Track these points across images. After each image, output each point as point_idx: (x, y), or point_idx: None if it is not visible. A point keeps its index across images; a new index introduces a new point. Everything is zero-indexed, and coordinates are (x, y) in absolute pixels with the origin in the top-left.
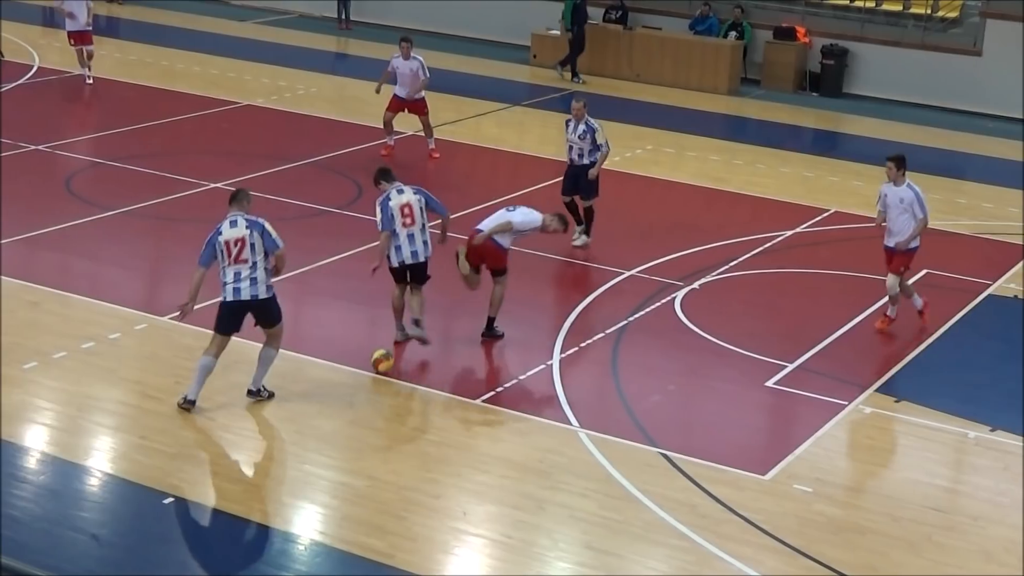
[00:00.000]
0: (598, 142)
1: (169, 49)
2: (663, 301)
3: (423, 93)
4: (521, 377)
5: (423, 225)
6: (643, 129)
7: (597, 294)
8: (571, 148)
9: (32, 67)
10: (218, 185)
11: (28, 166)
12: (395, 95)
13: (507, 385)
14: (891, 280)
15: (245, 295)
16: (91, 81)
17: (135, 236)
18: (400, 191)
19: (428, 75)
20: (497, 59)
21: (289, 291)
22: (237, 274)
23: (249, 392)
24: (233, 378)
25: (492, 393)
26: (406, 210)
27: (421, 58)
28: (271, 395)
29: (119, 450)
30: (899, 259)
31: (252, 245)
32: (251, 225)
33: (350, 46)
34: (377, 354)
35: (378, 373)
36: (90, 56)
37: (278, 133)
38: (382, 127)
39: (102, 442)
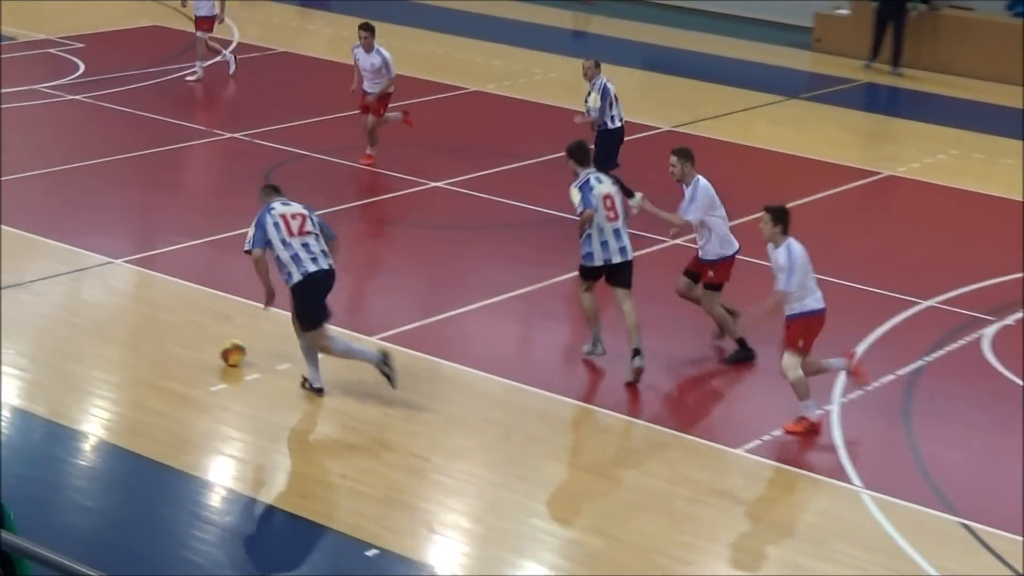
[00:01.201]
0: (588, 105)
1: (387, 24)
2: (968, 339)
3: (389, 89)
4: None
5: (624, 221)
6: (947, 130)
7: (886, 328)
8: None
9: (231, 43)
10: (439, 184)
11: (223, 156)
12: (363, 91)
13: (774, 433)
14: None
15: (324, 264)
16: (193, 79)
17: (342, 241)
18: (599, 179)
19: (392, 72)
20: (772, 42)
21: (514, 311)
22: (306, 245)
23: (315, 389)
24: (447, 409)
25: (757, 442)
26: (608, 202)
27: (385, 52)
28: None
29: (316, 491)
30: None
31: (311, 220)
32: (305, 208)
33: (592, 23)
34: (228, 344)
35: (228, 365)
36: (212, 50)
37: (510, 125)
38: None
39: (296, 480)
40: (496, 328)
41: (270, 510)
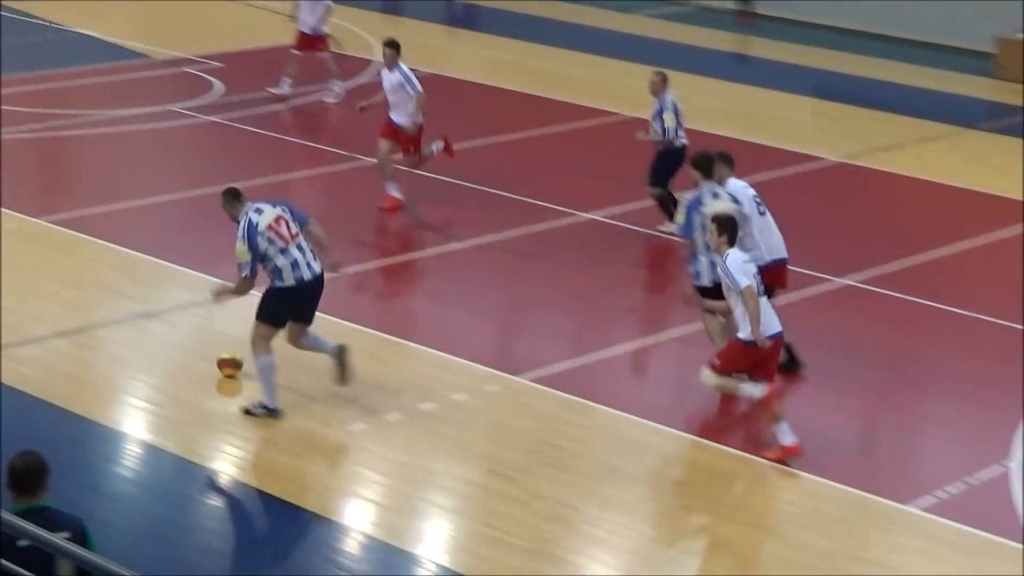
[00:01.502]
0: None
1: (538, 46)
2: None
3: (420, 118)
4: (969, 478)
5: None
6: None
7: None
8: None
9: (372, 62)
10: (594, 216)
11: (362, 182)
12: (388, 117)
13: (949, 489)
14: None
15: (316, 268)
16: (333, 100)
17: (489, 274)
18: (716, 194)
19: (418, 90)
20: (948, 68)
21: (671, 353)
22: (300, 248)
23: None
24: (598, 456)
25: (933, 499)
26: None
27: (407, 69)
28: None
29: (459, 540)
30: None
31: (290, 219)
32: (276, 203)
33: (752, 45)
34: (226, 355)
35: (224, 375)
36: (328, 71)
37: None
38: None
39: (439, 528)
40: (652, 370)
41: (409, 558)
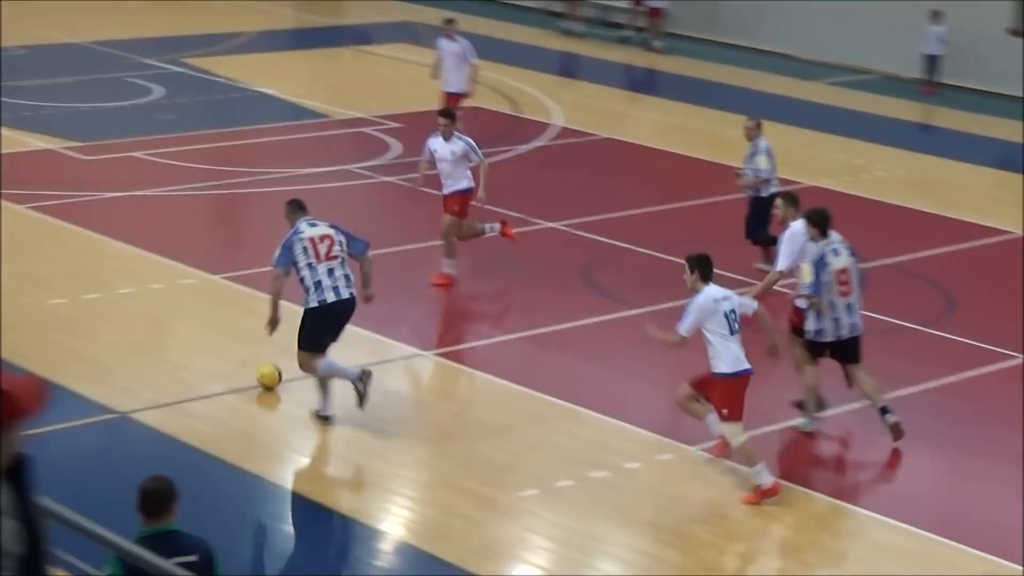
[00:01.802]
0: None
1: (718, 111)
2: None
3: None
4: None
5: (859, 295)
6: None
7: None
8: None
9: (550, 125)
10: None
11: (541, 247)
12: (449, 191)
13: None
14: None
15: (345, 293)
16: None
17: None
18: (836, 251)
19: (480, 157)
20: None
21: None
22: (331, 271)
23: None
24: (776, 531)
25: None
26: (843, 276)
27: (467, 138)
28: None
29: None
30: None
31: (340, 243)
32: (333, 226)
33: (936, 115)
34: (267, 370)
35: (263, 387)
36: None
37: (851, 224)
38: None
39: None
40: (828, 445)
41: None
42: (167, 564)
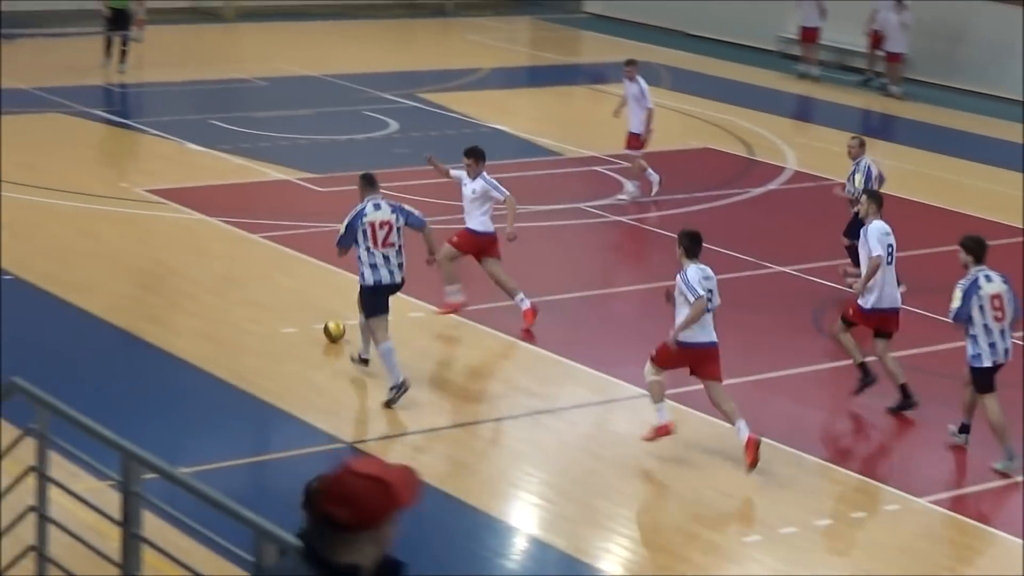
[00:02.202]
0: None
1: (957, 159)
2: None
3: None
4: None
5: (1012, 322)
6: None
7: None
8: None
9: (783, 168)
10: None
11: (771, 291)
12: (466, 227)
13: None
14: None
15: (397, 278)
16: (626, 198)
17: (891, 391)
18: (988, 277)
19: (506, 194)
20: None
21: None
22: (387, 258)
23: (362, 360)
24: None
25: None
26: (996, 302)
27: (489, 178)
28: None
29: None
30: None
31: (398, 230)
32: (395, 209)
33: None
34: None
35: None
36: (633, 170)
37: None
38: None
39: None
40: None
41: None
42: None
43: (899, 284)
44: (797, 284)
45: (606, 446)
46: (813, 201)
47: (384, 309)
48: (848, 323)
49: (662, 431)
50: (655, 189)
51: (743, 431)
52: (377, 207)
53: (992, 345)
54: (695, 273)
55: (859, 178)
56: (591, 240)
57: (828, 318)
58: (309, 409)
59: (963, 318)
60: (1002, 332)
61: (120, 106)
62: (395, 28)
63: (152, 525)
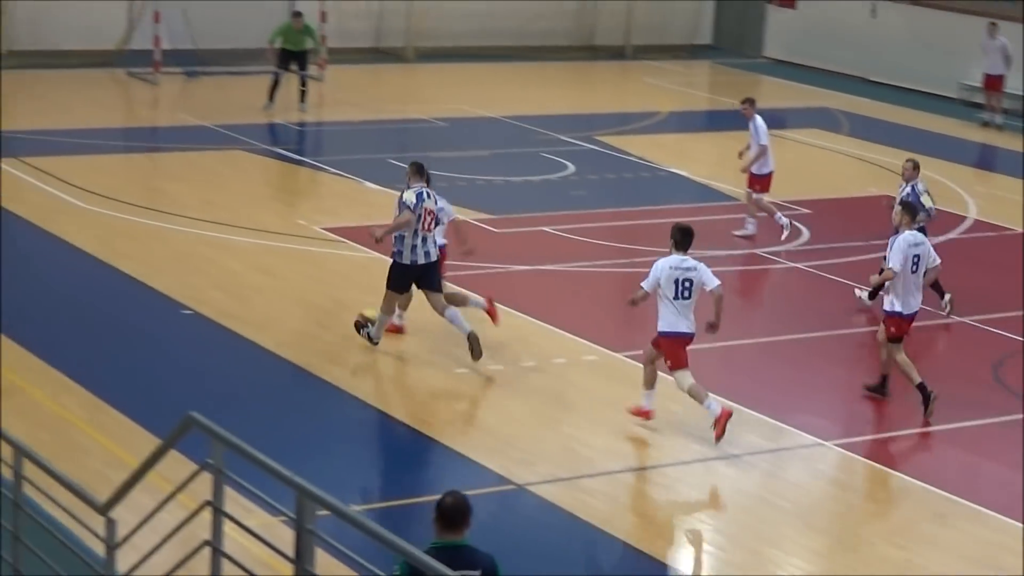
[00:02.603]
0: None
1: None
2: None
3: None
4: None
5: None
6: None
7: None
8: None
9: (964, 218)
10: None
11: (949, 342)
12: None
13: None
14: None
15: (433, 256)
16: (742, 233)
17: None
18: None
19: (450, 214)
20: None
21: None
22: (425, 239)
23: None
24: None
25: None
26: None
27: (443, 201)
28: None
29: None
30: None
31: (437, 217)
32: (438, 199)
33: None
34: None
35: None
36: (766, 210)
37: None
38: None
39: None
40: None
41: None
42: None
43: (943, 294)
44: (978, 335)
45: (779, 494)
46: (994, 251)
47: (404, 289)
48: (897, 340)
49: (643, 414)
50: (784, 234)
51: (714, 407)
52: (429, 196)
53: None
54: (664, 262)
55: (926, 199)
56: (766, 286)
57: (1010, 371)
58: (479, 449)
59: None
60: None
61: (299, 144)
62: (573, 70)
63: (324, 562)
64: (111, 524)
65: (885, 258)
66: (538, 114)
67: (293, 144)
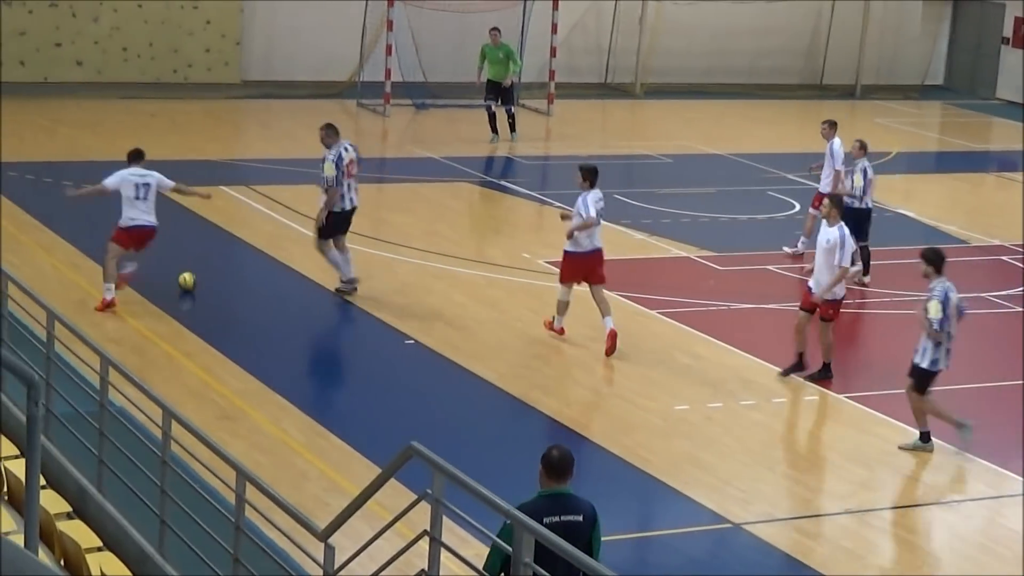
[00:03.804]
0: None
1: None
2: None
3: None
4: None
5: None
6: None
7: None
8: None
9: None
10: None
11: None
12: None
13: None
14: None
15: (356, 202)
16: (790, 249)
17: None
18: (952, 289)
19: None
20: None
21: None
22: (349, 186)
23: (341, 285)
24: None
25: None
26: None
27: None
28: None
29: None
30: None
31: (357, 163)
32: (356, 150)
33: None
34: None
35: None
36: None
37: None
38: None
39: None
40: None
41: None
42: (539, 528)
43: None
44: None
45: (999, 542)
46: None
47: (332, 235)
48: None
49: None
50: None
51: (609, 324)
52: (347, 150)
53: (948, 351)
54: (592, 196)
55: (858, 178)
56: (992, 331)
57: None
58: (697, 487)
59: (944, 327)
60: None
61: (525, 177)
62: (801, 109)
63: None
64: (330, 551)
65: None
66: (765, 152)
67: (519, 177)
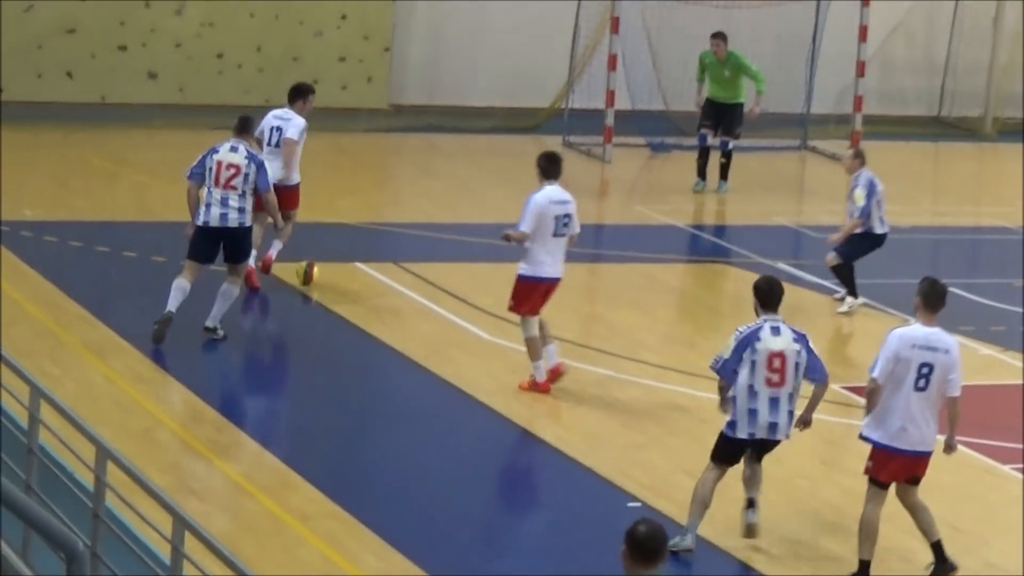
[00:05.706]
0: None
1: None
2: None
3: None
4: None
5: (794, 390)
6: None
7: None
8: None
9: None
10: None
11: None
12: None
13: None
14: None
15: (230, 223)
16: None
17: None
18: (777, 330)
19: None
20: None
21: None
22: (224, 200)
23: (206, 329)
24: None
25: None
26: (775, 362)
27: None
28: (225, 336)
29: None
30: None
31: (246, 176)
32: (251, 158)
33: None
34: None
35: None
36: None
37: None
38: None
39: None
40: None
41: None
42: None
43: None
44: None
45: None
46: None
47: (204, 257)
48: None
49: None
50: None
51: (553, 357)
52: (234, 149)
53: (753, 413)
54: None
55: (860, 192)
56: None
57: None
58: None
59: (734, 368)
60: (773, 401)
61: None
62: None
63: None
64: None
65: None
66: None
67: (805, 259)
